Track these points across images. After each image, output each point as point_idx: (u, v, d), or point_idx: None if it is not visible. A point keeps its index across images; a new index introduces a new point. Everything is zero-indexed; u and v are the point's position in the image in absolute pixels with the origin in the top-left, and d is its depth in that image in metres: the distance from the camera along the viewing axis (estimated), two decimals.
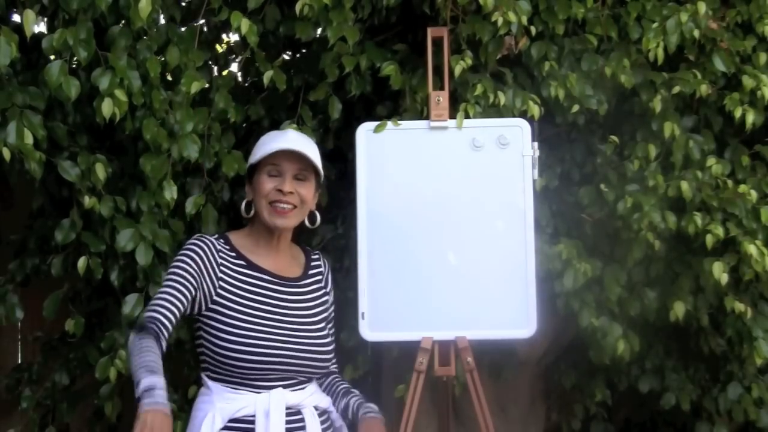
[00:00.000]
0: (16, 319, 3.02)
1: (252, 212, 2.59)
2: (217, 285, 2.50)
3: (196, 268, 2.49)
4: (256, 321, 2.50)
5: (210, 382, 2.53)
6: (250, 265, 2.56)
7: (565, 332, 3.46)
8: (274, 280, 2.57)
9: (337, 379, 2.71)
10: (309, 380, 2.59)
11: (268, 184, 2.54)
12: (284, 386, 2.52)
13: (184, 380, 3.17)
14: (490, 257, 2.87)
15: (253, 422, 2.47)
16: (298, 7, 2.87)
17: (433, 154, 2.91)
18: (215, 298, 2.50)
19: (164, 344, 2.40)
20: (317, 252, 2.77)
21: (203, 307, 2.50)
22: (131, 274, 2.88)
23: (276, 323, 2.52)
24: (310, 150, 2.59)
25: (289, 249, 2.67)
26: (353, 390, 2.67)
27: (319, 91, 3.09)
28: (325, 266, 2.74)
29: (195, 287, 2.48)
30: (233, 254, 2.56)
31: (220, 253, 2.53)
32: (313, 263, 2.71)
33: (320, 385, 2.66)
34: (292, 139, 2.61)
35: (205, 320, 2.51)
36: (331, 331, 2.71)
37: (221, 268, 2.52)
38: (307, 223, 2.65)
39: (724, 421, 3.49)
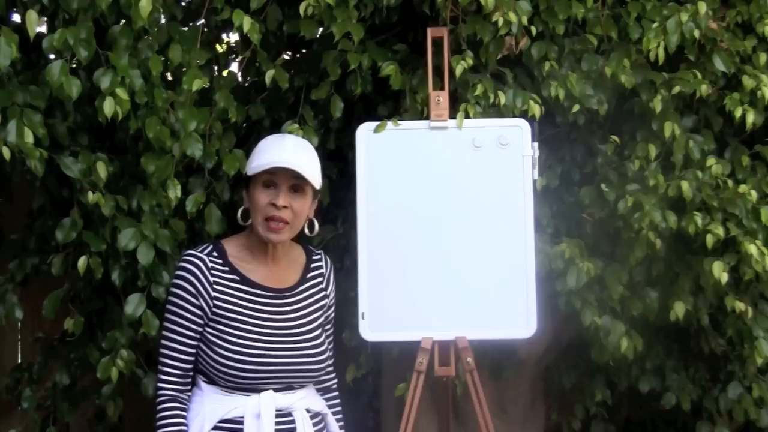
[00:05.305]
0: (16, 318, 3.01)
1: (249, 221, 2.60)
2: (212, 304, 2.52)
3: (192, 303, 2.52)
4: (249, 336, 2.51)
5: (203, 384, 2.54)
6: (244, 280, 2.56)
7: (565, 332, 3.46)
8: (267, 293, 2.58)
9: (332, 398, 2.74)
10: (303, 386, 2.60)
11: (263, 198, 2.54)
12: (276, 389, 2.53)
13: None
14: (490, 257, 2.87)
15: (242, 422, 2.48)
16: (302, 8, 2.87)
17: (433, 154, 2.91)
18: (211, 315, 2.52)
19: (188, 397, 2.55)
20: (319, 252, 2.77)
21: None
22: (132, 274, 2.88)
23: (269, 337, 2.53)
24: (307, 162, 2.58)
25: (287, 253, 2.66)
26: (338, 413, 2.73)
27: (321, 90, 3.09)
28: (326, 266, 2.74)
29: (198, 325, 2.53)
30: (226, 268, 2.56)
31: (212, 271, 2.53)
32: (313, 264, 2.71)
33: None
34: (289, 149, 2.58)
35: (202, 333, 2.52)
36: (328, 333, 2.71)
37: (215, 286, 2.52)
38: (306, 230, 2.65)
39: (725, 421, 3.49)
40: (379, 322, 2.86)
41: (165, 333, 2.54)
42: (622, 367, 3.43)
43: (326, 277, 2.73)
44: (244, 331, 2.51)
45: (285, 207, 2.53)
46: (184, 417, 2.50)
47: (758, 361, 3.20)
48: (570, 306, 3.14)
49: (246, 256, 2.60)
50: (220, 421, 2.50)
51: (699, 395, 3.48)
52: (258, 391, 2.51)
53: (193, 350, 2.53)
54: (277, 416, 2.51)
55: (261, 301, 2.56)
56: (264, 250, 2.60)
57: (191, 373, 2.55)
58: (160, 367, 2.53)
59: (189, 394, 2.55)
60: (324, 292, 2.70)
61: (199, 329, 2.52)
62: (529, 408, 3.65)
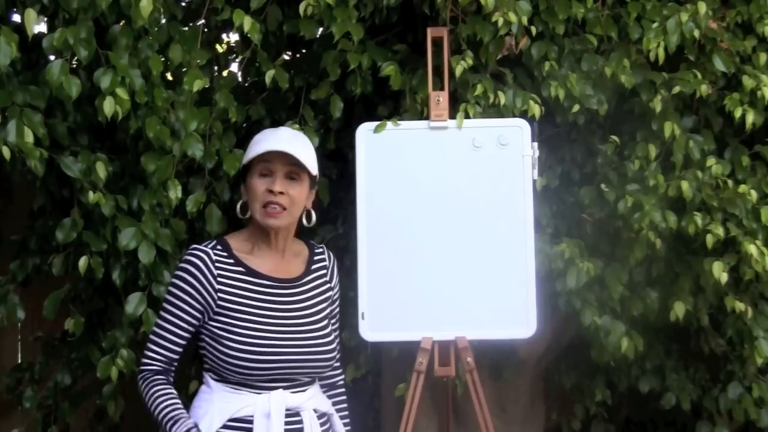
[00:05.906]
0: (18, 319, 3.01)
1: (248, 214, 2.60)
2: (216, 297, 2.51)
3: (192, 295, 2.50)
4: (257, 327, 2.50)
5: (212, 382, 2.53)
6: (249, 271, 2.56)
7: (565, 332, 3.46)
8: (273, 284, 2.57)
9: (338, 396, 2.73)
10: (311, 381, 2.59)
11: (260, 186, 2.54)
12: (285, 387, 2.52)
13: (185, 378, 3.18)
14: (491, 257, 2.88)
15: (251, 422, 2.48)
16: (302, 8, 2.87)
17: (433, 154, 2.91)
18: (216, 309, 2.51)
19: (172, 377, 2.52)
20: (321, 246, 2.76)
21: (206, 318, 2.52)
22: (133, 273, 2.88)
23: (277, 327, 2.52)
24: (302, 149, 2.58)
25: (290, 246, 2.66)
26: (343, 410, 2.71)
27: (321, 89, 3.09)
28: (329, 260, 2.74)
29: (194, 318, 2.51)
30: (231, 261, 2.55)
31: (217, 264, 2.53)
32: (316, 257, 2.70)
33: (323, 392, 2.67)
34: (284, 138, 2.59)
35: (208, 327, 2.52)
36: (334, 327, 2.71)
37: (219, 279, 2.52)
38: (304, 221, 2.65)
39: (725, 421, 3.49)
40: (379, 322, 2.86)
41: (158, 321, 2.52)
42: (622, 367, 3.44)
43: (330, 270, 2.73)
44: (251, 323, 2.50)
45: (281, 193, 2.53)
46: (171, 386, 2.49)
47: (758, 361, 3.20)
48: (570, 306, 3.14)
49: (250, 249, 2.60)
50: (230, 420, 2.49)
51: (699, 395, 3.48)
52: (267, 387, 2.50)
53: (183, 342, 2.51)
54: (286, 416, 2.51)
55: (268, 292, 2.56)
56: (267, 240, 2.60)
57: (174, 368, 2.52)
58: (145, 352, 2.50)
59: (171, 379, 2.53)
60: (328, 285, 2.70)
61: (195, 323, 2.50)
62: (529, 408, 3.65)
